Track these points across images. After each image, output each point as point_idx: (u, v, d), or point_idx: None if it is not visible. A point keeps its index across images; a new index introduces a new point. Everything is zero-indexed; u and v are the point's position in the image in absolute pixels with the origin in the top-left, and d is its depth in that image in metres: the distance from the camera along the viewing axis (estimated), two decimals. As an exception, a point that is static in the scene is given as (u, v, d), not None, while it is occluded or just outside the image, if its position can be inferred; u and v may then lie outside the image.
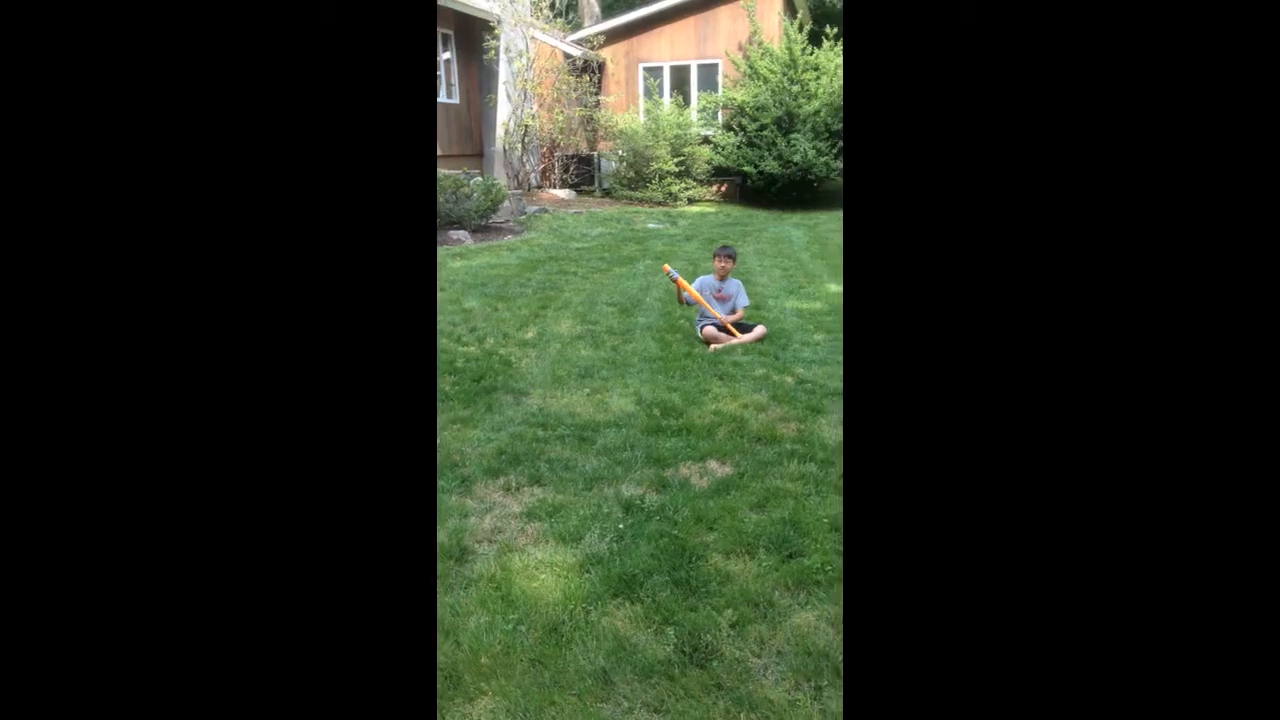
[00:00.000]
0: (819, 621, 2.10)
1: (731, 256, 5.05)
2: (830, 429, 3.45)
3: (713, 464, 3.10)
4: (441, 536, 2.53)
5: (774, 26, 12.56)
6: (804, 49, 11.92)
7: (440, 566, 2.36)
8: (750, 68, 12.16)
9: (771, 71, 11.86)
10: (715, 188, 12.91)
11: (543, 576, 2.32)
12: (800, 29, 12.13)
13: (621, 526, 2.60)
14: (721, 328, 4.79)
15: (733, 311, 4.94)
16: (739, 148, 11.99)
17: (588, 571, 2.34)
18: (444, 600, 2.19)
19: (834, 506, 2.73)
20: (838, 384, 4.02)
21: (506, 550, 2.47)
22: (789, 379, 4.13)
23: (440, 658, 1.96)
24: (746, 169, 11.90)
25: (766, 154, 11.68)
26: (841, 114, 11.60)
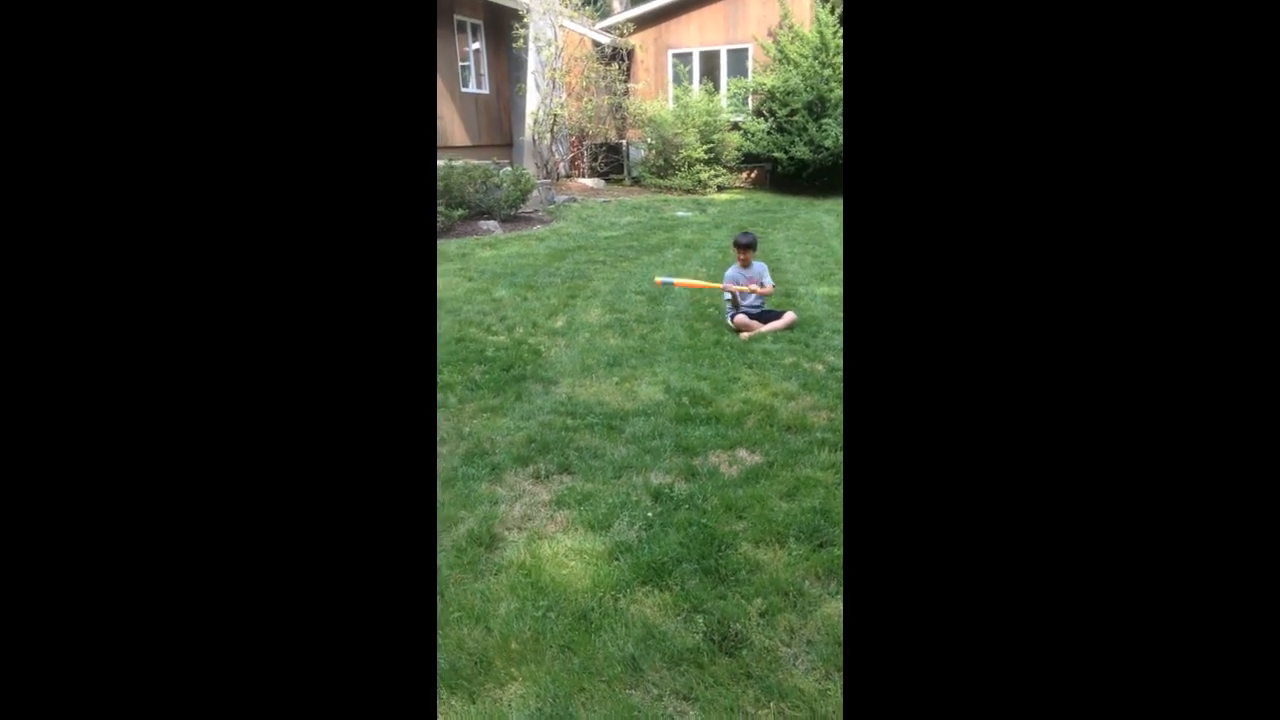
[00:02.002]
0: (850, 611, 2.08)
1: (750, 245, 5.00)
2: (862, 417, 3.41)
3: (742, 452, 3.08)
4: (472, 523, 2.56)
5: (804, 9, 12.36)
6: (835, 32, 11.71)
7: (471, 553, 2.39)
8: (780, 52, 11.99)
9: (802, 56, 11.68)
10: (745, 174, 12.78)
11: (572, 564, 2.33)
12: (832, 11, 11.92)
13: (650, 515, 2.60)
14: (752, 315, 4.76)
15: (761, 286, 4.94)
16: (769, 133, 11.85)
17: (617, 559, 2.34)
18: (474, 587, 2.21)
19: (865, 495, 2.70)
20: (869, 372, 3.97)
21: (536, 537, 2.49)
22: (820, 367, 4.08)
23: (471, 643, 1.98)
24: (777, 155, 11.77)
25: (797, 139, 11.53)
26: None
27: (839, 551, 2.35)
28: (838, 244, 7.87)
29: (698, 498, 2.70)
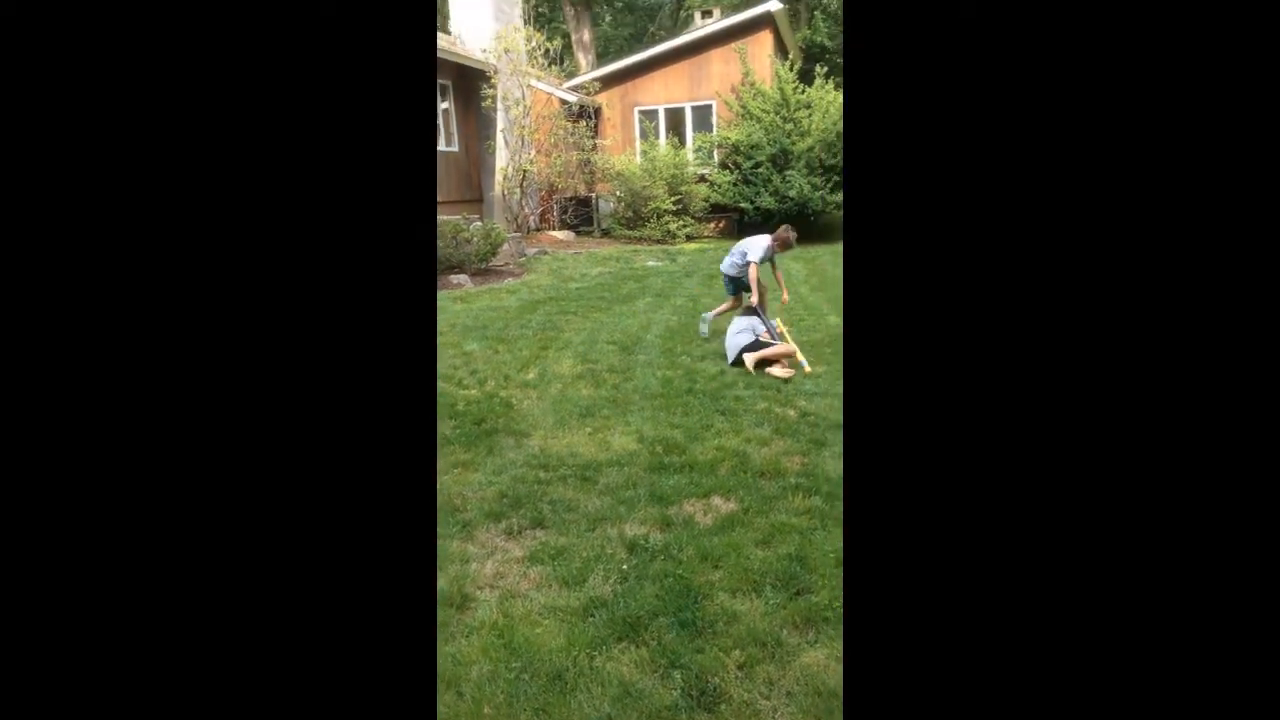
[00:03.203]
0: (828, 660, 2.05)
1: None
2: (834, 461, 3.42)
3: (717, 500, 3.07)
4: (442, 583, 2.49)
5: (765, 67, 12.81)
6: (795, 88, 12.14)
7: (441, 615, 2.32)
8: (743, 108, 12.37)
9: (764, 111, 12.06)
10: (713, 224, 13.04)
11: (546, 622, 2.27)
12: (791, 68, 12.37)
13: (625, 567, 2.56)
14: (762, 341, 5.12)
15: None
16: (735, 185, 12.14)
17: (591, 615, 2.29)
18: (445, 650, 2.15)
19: (840, 541, 2.69)
20: (840, 416, 4.00)
21: (509, 596, 2.43)
22: (791, 412, 4.10)
23: (442, 709, 1.91)
24: (743, 205, 12.04)
25: (762, 190, 11.82)
26: (835, 149, 11.75)
27: (816, 599, 2.33)
28: (806, 290, 8.00)
29: (673, 548, 2.67)
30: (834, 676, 1.98)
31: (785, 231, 5.57)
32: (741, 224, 12.54)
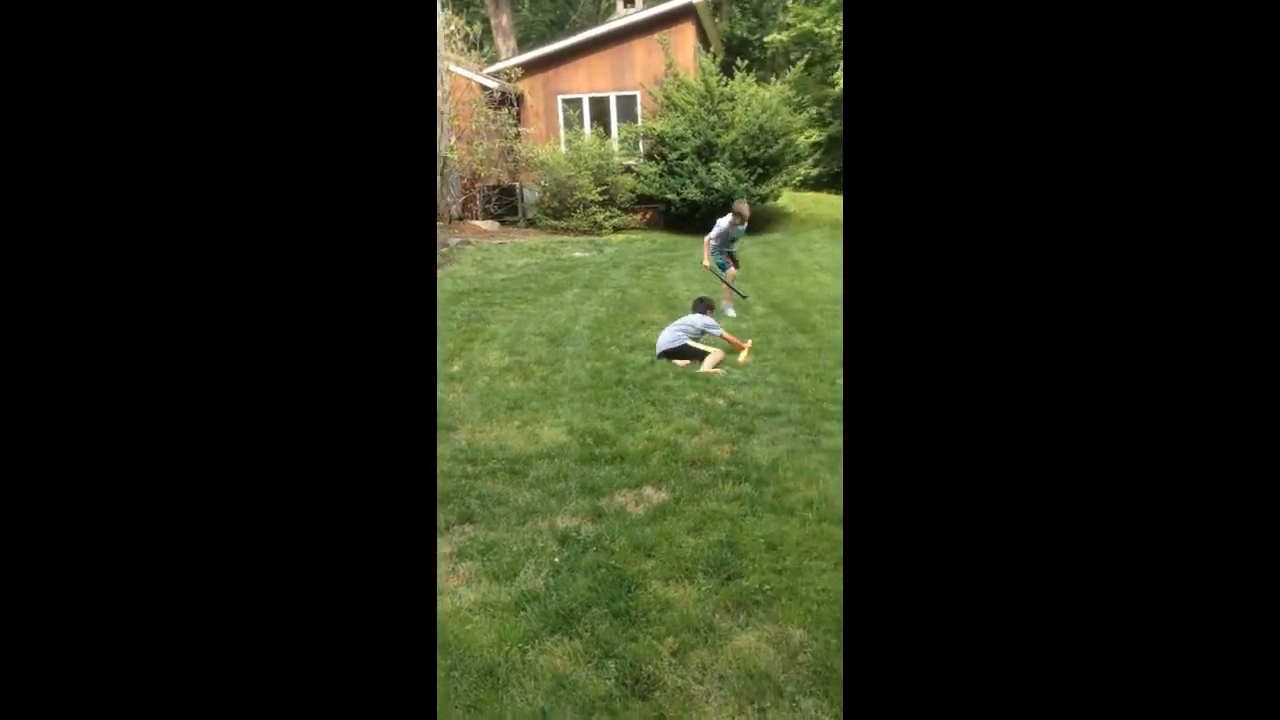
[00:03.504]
0: (759, 642, 2.09)
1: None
2: (762, 448, 3.48)
3: (648, 490, 3.07)
4: (367, 583, 2.41)
5: (688, 59, 12.87)
6: (719, 80, 12.24)
7: (367, 615, 2.24)
8: (668, 99, 12.40)
9: (689, 103, 12.12)
10: (640, 215, 13.04)
11: (476, 618, 2.23)
12: (714, 60, 12.47)
13: (557, 560, 2.53)
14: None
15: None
16: (661, 176, 12.17)
17: (523, 610, 2.26)
18: (371, 651, 2.08)
19: (769, 525, 2.74)
20: (768, 405, 4.07)
21: (438, 594, 2.37)
22: (720, 401, 4.15)
23: (368, 713, 1.85)
24: (670, 196, 12.08)
25: (688, 181, 11.89)
26: (758, 142, 11.94)
27: (746, 583, 2.37)
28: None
29: (605, 539, 2.66)
30: (765, 658, 2.02)
31: (739, 203, 5.94)
32: (668, 215, 12.61)
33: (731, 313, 6.44)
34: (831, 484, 3.07)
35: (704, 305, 5.32)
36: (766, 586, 2.35)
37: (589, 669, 1.99)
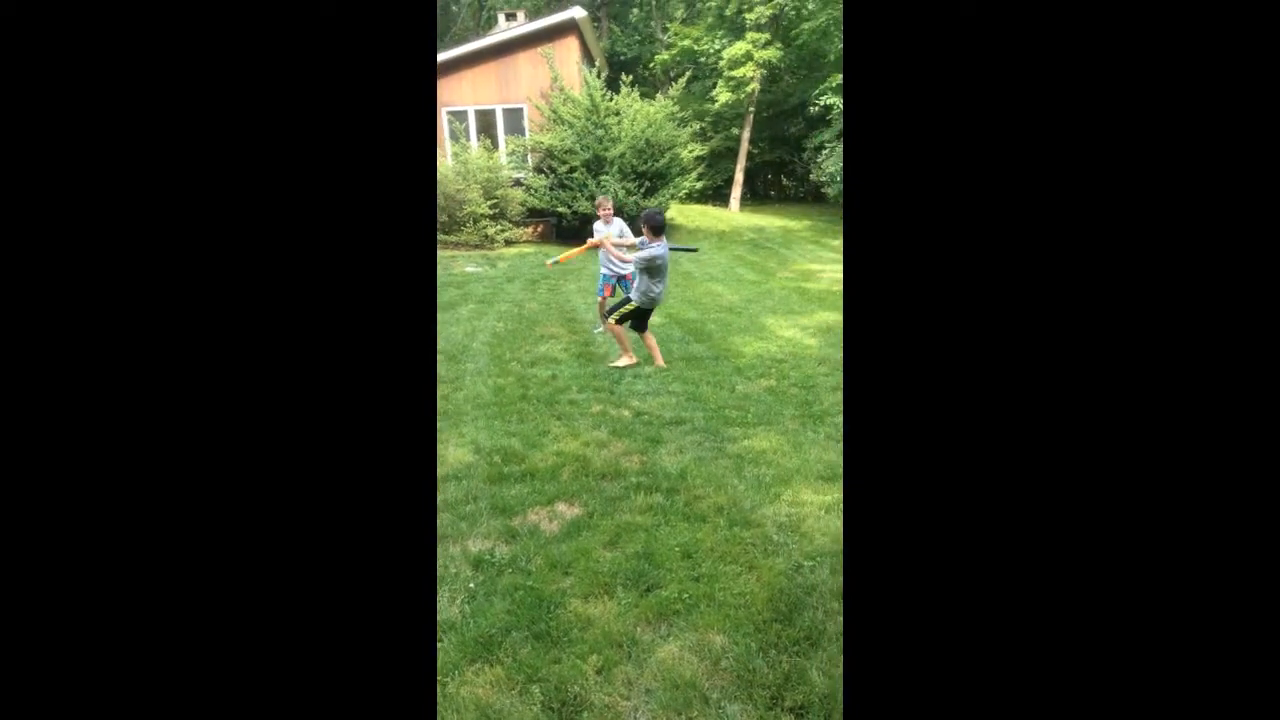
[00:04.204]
0: (683, 652, 2.11)
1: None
2: (670, 457, 3.52)
3: (561, 506, 3.04)
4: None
5: (573, 73, 12.93)
6: (604, 95, 12.37)
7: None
8: (554, 112, 12.41)
9: (575, 116, 12.18)
10: (531, 229, 12.95)
11: (390, 653, 2.13)
12: (599, 75, 12.59)
13: (473, 585, 2.46)
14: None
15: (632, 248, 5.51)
16: (551, 189, 12.14)
17: (441, 639, 2.18)
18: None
19: (683, 534, 2.77)
20: (673, 414, 4.13)
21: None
22: (626, 413, 4.17)
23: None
24: (561, 210, 12.07)
25: (579, 194, 11.93)
26: (645, 155, 12.14)
27: (666, 593, 2.38)
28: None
29: (521, 559, 2.61)
30: (689, 668, 2.04)
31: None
32: (559, 229, 12.59)
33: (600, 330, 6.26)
34: (739, 489, 3.15)
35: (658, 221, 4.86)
36: (685, 595, 2.37)
37: (513, 696, 1.94)
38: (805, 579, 2.47)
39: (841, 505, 2.99)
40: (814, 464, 3.42)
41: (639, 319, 5.07)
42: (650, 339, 5.21)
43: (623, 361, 5.09)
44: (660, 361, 5.11)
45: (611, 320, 5.10)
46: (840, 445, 3.67)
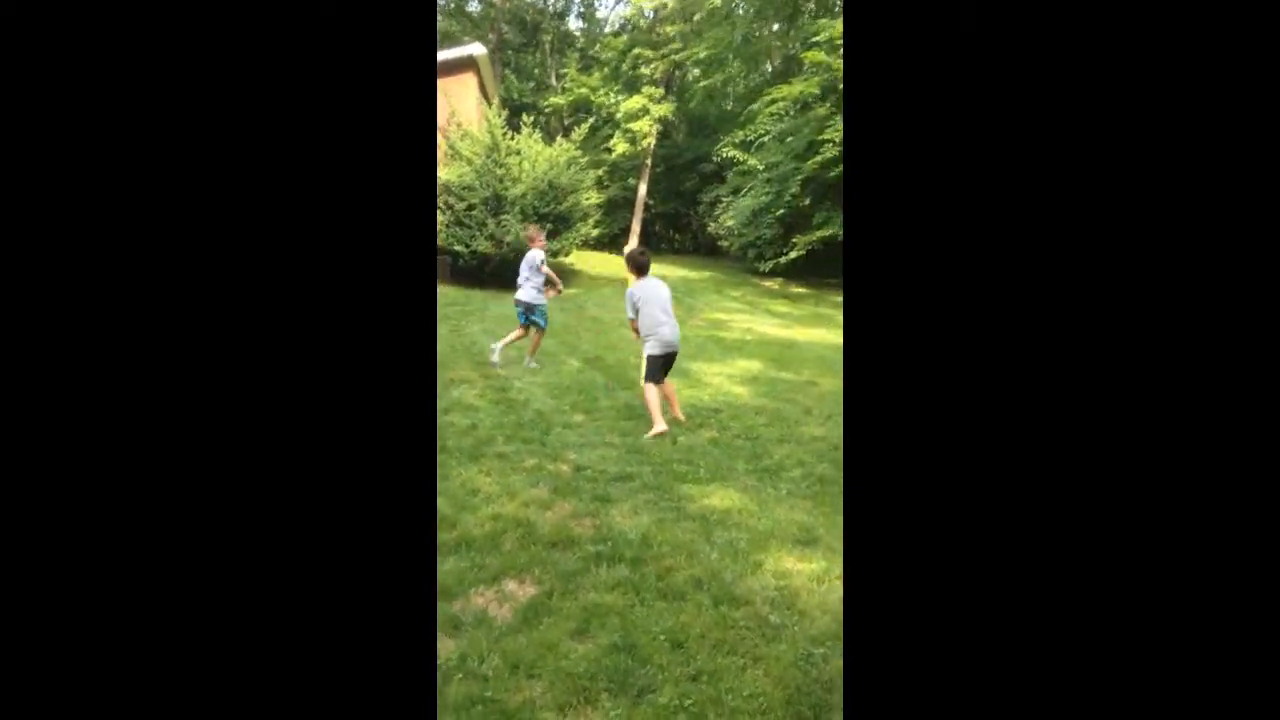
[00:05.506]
0: (708, 783, 1.64)
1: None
2: (625, 519, 3.06)
3: (510, 584, 2.50)
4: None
5: (471, 109, 12.50)
6: (505, 133, 11.98)
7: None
8: (451, 148, 11.87)
9: (475, 154, 11.70)
10: (422, 268, 12.22)
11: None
12: (499, 114, 12.21)
13: (413, 700, 1.88)
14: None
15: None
16: (448, 226, 11.50)
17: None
18: None
19: (665, 617, 2.32)
20: (617, 468, 3.68)
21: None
22: (564, 467, 3.68)
23: None
24: (458, 248, 11.43)
25: (478, 233, 11.36)
26: (547, 198, 11.79)
27: (663, 699, 1.92)
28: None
29: (471, 659, 2.06)
30: (720, 805, 1.58)
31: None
32: (455, 268, 11.92)
33: (534, 364, 6.04)
34: (713, 558, 2.74)
35: (644, 261, 4.61)
36: (688, 701, 1.91)
37: None
38: (819, 671, 2.08)
39: (837, 576, 2.64)
40: (787, 526, 3.07)
41: (663, 369, 4.50)
42: (669, 388, 4.67)
43: (655, 431, 4.24)
44: (677, 414, 4.61)
45: (644, 386, 4.43)
46: (808, 504, 3.35)
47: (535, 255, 5.94)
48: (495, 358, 5.90)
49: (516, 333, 6.14)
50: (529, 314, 5.99)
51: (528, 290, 5.93)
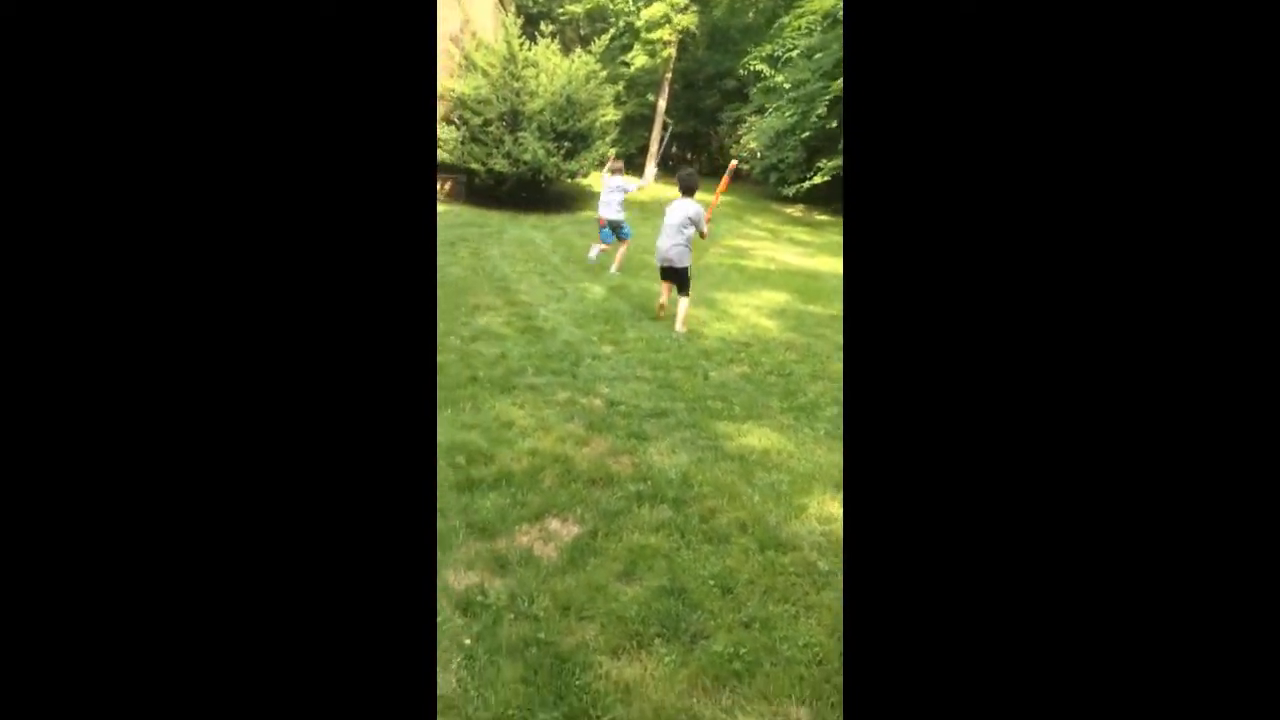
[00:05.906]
0: (769, 735, 1.64)
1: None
2: (663, 457, 3.02)
3: (553, 523, 2.48)
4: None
5: (486, 17, 11.92)
6: (522, 44, 11.44)
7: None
8: (466, 58, 11.37)
9: (490, 65, 11.20)
10: (440, 186, 11.90)
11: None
12: (515, 21, 11.63)
13: (468, 641, 1.87)
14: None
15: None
16: (463, 143, 11.13)
17: (441, 730, 1.60)
18: None
19: (711, 561, 2.29)
20: (650, 404, 3.62)
21: None
22: (597, 401, 3.62)
23: None
24: (474, 166, 11.10)
25: (495, 151, 11.00)
26: (565, 114, 11.37)
27: (717, 648, 1.90)
28: (558, 260, 7.54)
29: (520, 600, 2.04)
30: (782, 758, 1.57)
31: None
32: (470, 186, 11.63)
33: (616, 271, 6.96)
34: (756, 501, 2.70)
35: (689, 183, 5.17)
36: (742, 649, 1.90)
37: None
38: (871, 620, 2.05)
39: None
40: (827, 469, 3.02)
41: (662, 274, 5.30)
42: (663, 287, 5.39)
43: (680, 327, 5.06)
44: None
45: (689, 298, 5.19)
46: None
47: (623, 181, 6.95)
48: (593, 254, 7.22)
49: (605, 247, 7.15)
50: (616, 231, 7.00)
51: (612, 209, 6.88)
